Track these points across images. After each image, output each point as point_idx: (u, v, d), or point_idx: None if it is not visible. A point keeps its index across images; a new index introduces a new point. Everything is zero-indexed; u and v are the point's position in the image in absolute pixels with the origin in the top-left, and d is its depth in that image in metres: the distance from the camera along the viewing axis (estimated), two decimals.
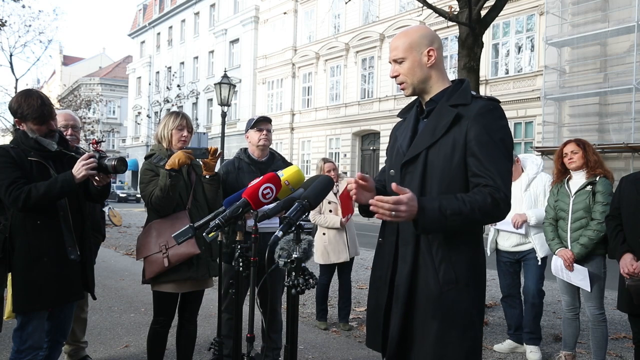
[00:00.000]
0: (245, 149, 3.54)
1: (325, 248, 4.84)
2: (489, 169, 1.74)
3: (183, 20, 37.79)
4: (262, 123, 3.42)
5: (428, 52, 1.90)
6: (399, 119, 2.13)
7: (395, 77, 1.96)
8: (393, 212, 1.62)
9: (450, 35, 18.04)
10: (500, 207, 1.73)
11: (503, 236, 4.15)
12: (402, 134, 2.02)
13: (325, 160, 5.02)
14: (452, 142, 1.81)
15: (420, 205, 1.65)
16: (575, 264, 3.57)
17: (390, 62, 1.98)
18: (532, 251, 4.03)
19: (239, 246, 2.12)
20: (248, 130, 3.47)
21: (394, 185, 1.67)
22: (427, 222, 1.67)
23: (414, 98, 2.05)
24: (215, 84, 14.55)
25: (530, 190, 4.07)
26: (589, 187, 3.60)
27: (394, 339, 1.85)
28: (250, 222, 2.22)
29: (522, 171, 4.15)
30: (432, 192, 1.82)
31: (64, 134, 3.39)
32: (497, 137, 1.78)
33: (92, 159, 2.50)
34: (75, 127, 3.54)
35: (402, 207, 1.62)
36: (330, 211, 4.87)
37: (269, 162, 3.46)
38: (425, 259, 1.83)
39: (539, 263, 4.01)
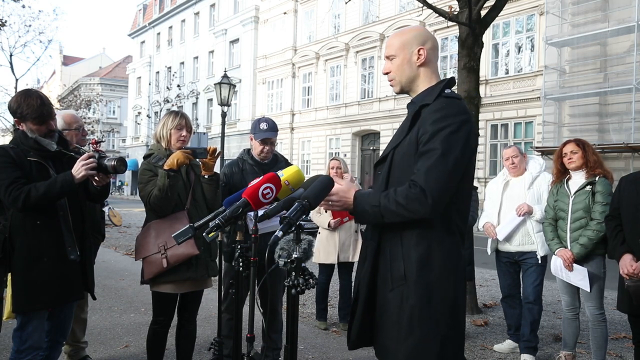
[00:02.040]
0: (249, 150, 3.54)
1: (318, 247, 4.88)
2: (420, 166, 1.79)
3: (183, 20, 37.76)
4: (267, 139, 3.41)
5: (418, 51, 1.95)
6: (398, 119, 2.17)
7: (387, 73, 2.03)
8: (330, 202, 1.87)
9: (450, 35, 18.04)
10: (413, 202, 1.75)
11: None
12: None
13: (332, 158, 5.06)
14: (410, 142, 1.87)
15: (354, 197, 1.86)
16: (574, 264, 3.56)
17: (384, 60, 2.05)
18: (533, 255, 4.01)
19: (239, 246, 2.12)
20: (253, 134, 3.46)
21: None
22: (357, 211, 1.87)
23: None
24: (215, 84, 14.55)
25: (533, 188, 4.06)
26: (588, 187, 3.59)
27: (355, 333, 1.97)
28: (251, 223, 2.22)
29: (525, 170, 4.15)
30: None
31: (82, 134, 3.47)
32: (436, 134, 1.79)
33: (91, 159, 2.50)
34: (83, 127, 3.62)
35: (333, 197, 1.87)
36: (326, 211, 4.87)
37: (272, 164, 3.47)
38: (384, 257, 1.90)
39: (539, 262, 3.99)
